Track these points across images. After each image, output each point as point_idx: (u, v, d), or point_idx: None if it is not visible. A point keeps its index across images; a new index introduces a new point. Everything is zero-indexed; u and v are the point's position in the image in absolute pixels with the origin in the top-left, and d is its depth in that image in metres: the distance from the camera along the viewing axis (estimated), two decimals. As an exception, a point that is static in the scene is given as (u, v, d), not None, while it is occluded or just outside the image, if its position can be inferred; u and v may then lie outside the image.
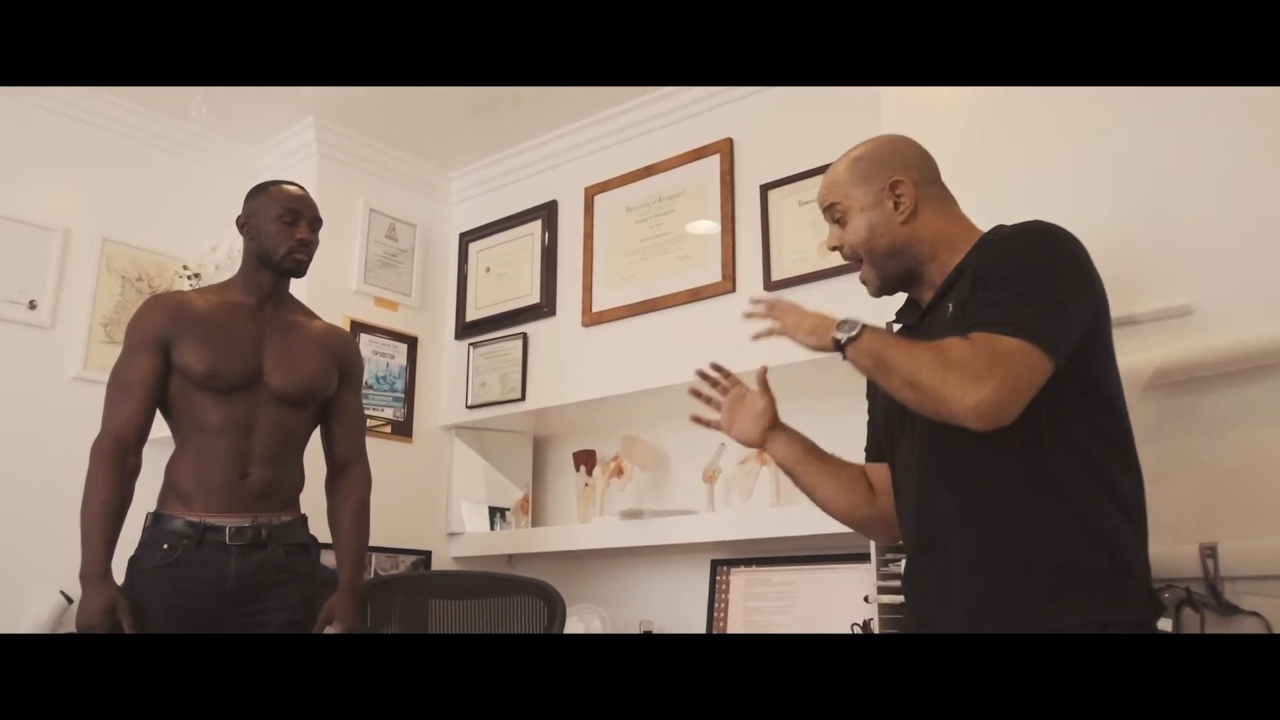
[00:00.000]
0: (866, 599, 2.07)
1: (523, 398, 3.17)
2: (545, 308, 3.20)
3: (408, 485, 3.21)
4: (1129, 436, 1.38)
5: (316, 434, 2.22)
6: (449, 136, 3.30)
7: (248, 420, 2.04)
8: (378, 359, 3.22)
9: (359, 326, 3.18)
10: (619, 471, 3.03)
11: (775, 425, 1.71)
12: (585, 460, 3.18)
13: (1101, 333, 1.38)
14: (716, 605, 2.76)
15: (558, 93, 2.99)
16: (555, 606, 2.39)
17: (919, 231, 1.49)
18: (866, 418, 1.73)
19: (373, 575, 3.02)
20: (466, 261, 3.49)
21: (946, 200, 1.54)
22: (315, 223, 2.21)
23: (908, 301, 1.59)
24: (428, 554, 3.21)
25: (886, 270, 1.53)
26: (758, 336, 1.54)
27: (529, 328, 3.24)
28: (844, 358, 1.41)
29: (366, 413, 3.09)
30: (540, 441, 3.46)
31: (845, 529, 2.33)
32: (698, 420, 1.79)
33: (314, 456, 2.21)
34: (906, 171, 1.51)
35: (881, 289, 1.57)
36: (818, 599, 2.56)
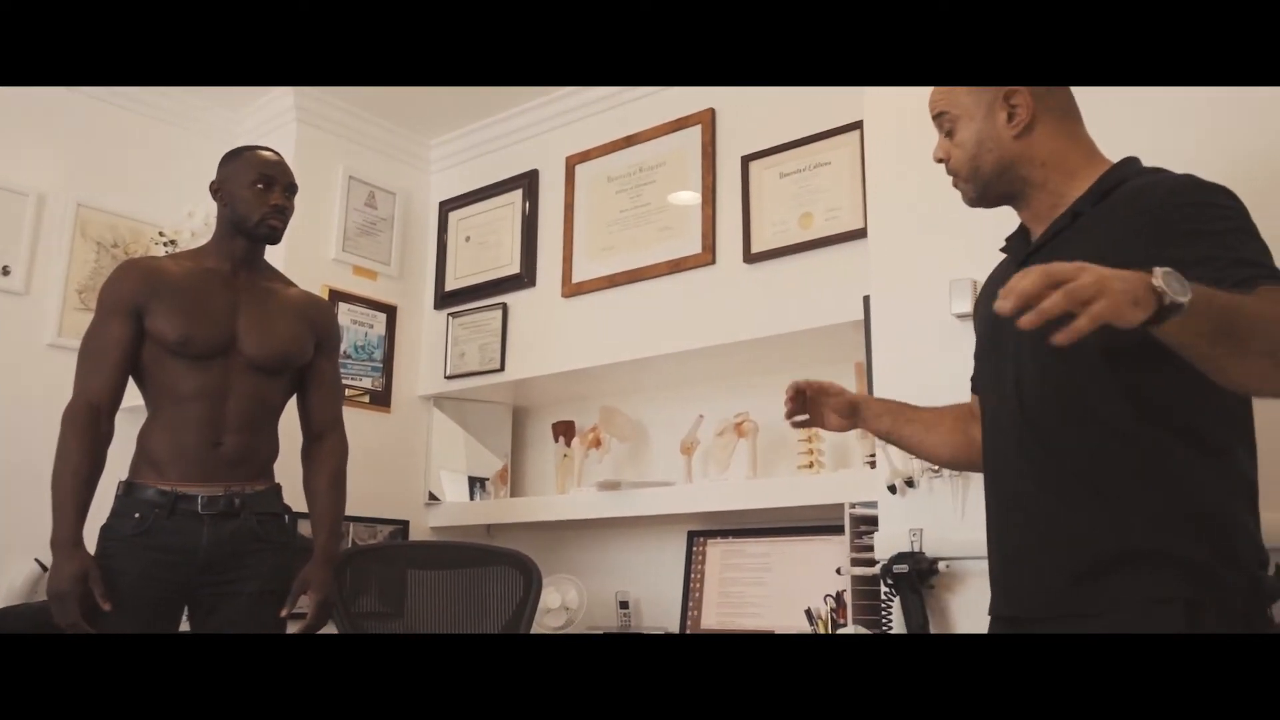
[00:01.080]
0: (839, 571, 2.09)
1: (502, 368, 3.16)
2: (525, 278, 3.19)
3: (386, 455, 3.20)
4: (1250, 413, 1.24)
5: (292, 403, 2.21)
6: (430, 104, 3.26)
7: (221, 388, 2.03)
8: (356, 328, 3.20)
9: (337, 295, 3.16)
10: (597, 443, 3.03)
11: (857, 408, 1.58)
12: (564, 431, 3.18)
13: None
14: (693, 576, 2.78)
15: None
16: (531, 577, 2.40)
17: (1032, 149, 1.35)
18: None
19: (350, 545, 3.02)
20: (446, 230, 3.46)
21: (1069, 117, 1.38)
22: (290, 189, 2.18)
23: (1019, 230, 1.45)
24: (405, 524, 3.21)
25: (989, 189, 1.40)
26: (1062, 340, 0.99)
27: (509, 298, 3.23)
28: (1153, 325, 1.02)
29: (345, 382, 3.09)
30: (519, 412, 3.46)
31: (822, 501, 2.36)
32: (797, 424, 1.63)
33: (289, 425, 2.20)
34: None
35: (974, 202, 1.44)
36: (793, 570, 2.58)
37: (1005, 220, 1.92)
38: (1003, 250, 1.47)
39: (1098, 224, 1.27)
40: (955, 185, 1.44)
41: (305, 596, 2.06)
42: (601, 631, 2.81)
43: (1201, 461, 1.19)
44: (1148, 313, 0.98)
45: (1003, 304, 1.00)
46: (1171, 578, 1.15)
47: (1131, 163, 1.34)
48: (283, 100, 3.16)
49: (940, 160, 1.44)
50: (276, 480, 2.14)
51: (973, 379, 1.55)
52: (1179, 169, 1.30)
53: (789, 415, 1.60)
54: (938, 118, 1.43)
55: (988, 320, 1.37)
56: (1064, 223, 1.32)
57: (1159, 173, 1.29)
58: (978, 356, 1.49)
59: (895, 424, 1.59)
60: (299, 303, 2.20)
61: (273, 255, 3.06)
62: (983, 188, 1.40)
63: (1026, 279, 0.99)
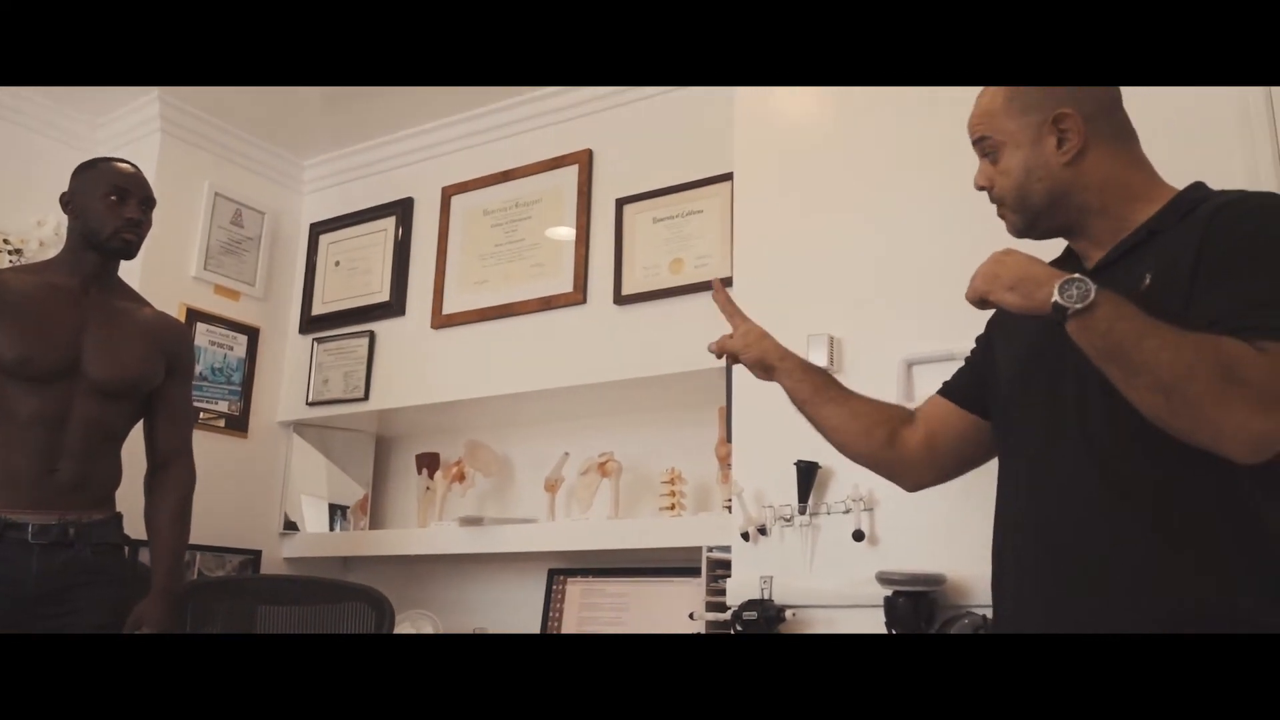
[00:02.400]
0: (692, 616, 2.11)
1: (366, 397, 3.10)
2: (395, 306, 3.14)
3: (240, 482, 3.10)
4: None
5: (138, 429, 2.12)
6: (304, 123, 3.20)
7: (61, 412, 1.93)
8: (214, 350, 3.10)
9: (196, 315, 3.05)
10: (461, 477, 3.00)
11: (774, 367, 1.48)
12: (428, 463, 3.13)
13: None
14: (551, 614, 2.77)
15: (419, 89, 2.94)
16: (383, 613, 2.35)
17: (1086, 176, 1.25)
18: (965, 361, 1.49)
19: (196, 575, 2.90)
20: (316, 253, 3.39)
21: (1125, 138, 1.28)
22: (147, 202, 2.10)
23: (1065, 254, 1.34)
24: (257, 554, 3.10)
25: (1038, 221, 1.28)
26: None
27: (377, 326, 3.17)
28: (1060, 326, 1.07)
29: (199, 405, 2.99)
30: (383, 442, 3.40)
31: (681, 543, 2.39)
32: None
33: (134, 452, 2.11)
34: (1075, 103, 1.25)
35: (1021, 233, 1.31)
36: (650, 611, 2.59)
37: (869, 279, 2.01)
38: None
39: (1176, 241, 1.17)
40: (1000, 213, 1.33)
41: (140, 632, 1.96)
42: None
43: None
44: (1029, 303, 1.09)
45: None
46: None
47: (1202, 185, 1.25)
48: (146, 109, 3.04)
49: (982, 188, 1.33)
50: (118, 510, 2.04)
51: (949, 385, 1.49)
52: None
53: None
54: (979, 142, 1.32)
55: (1028, 347, 1.28)
56: (1139, 238, 1.22)
57: (1242, 192, 1.21)
58: (980, 373, 1.42)
59: (816, 395, 1.47)
60: (151, 324, 2.12)
61: (128, 271, 2.94)
62: (1033, 218, 1.28)
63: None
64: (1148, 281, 1.15)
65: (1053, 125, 1.25)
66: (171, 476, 2.11)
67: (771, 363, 1.49)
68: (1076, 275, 1.06)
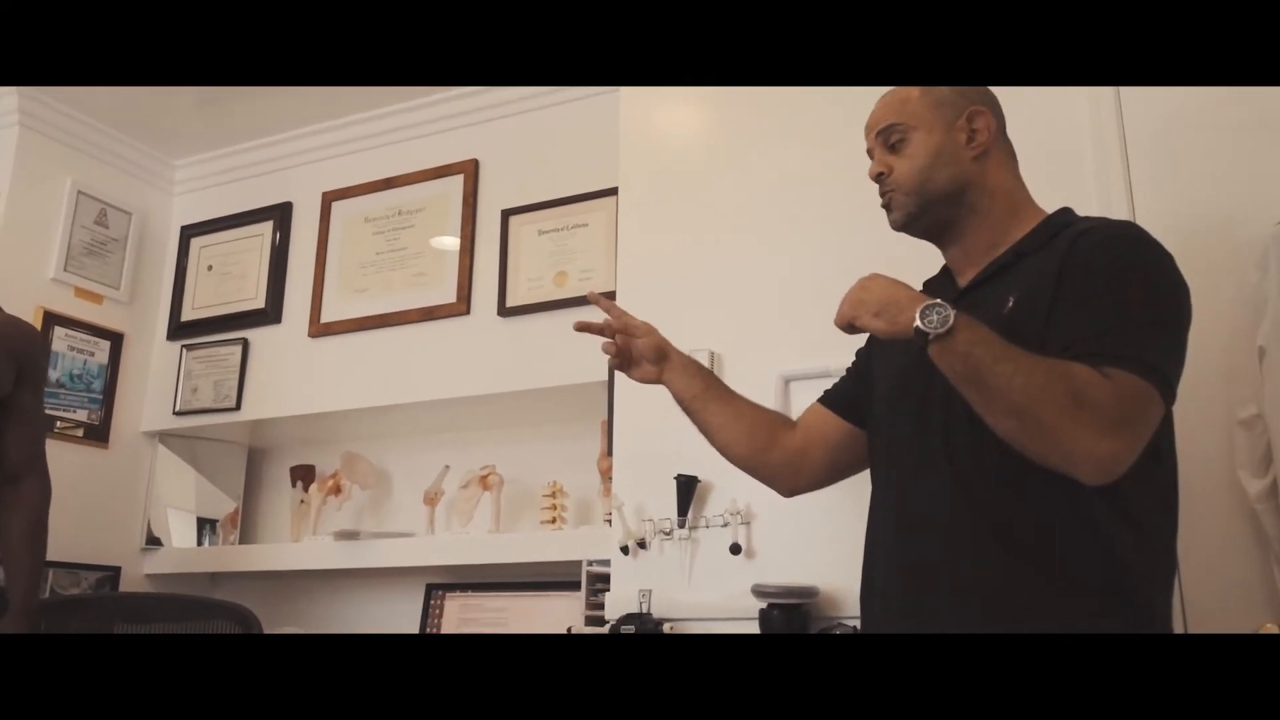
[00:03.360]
0: (570, 629, 2.11)
1: (238, 407, 2.99)
2: (270, 313, 3.05)
3: (99, 495, 2.95)
4: (1177, 492, 1.22)
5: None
6: (177, 122, 3.08)
7: None
8: (74, 356, 2.94)
9: (54, 318, 2.89)
10: (337, 489, 2.92)
11: (669, 356, 1.50)
12: (303, 475, 3.04)
13: None
14: (428, 629, 2.72)
15: (299, 90, 2.87)
16: (251, 631, 2.27)
17: (987, 177, 1.29)
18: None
19: (49, 593, 2.74)
20: (187, 257, 3.26)
21: (1013, 157, 1.35)
22: None
23: (941, 272, 1.39)
24: (117, 570, 2.96)
25: (930, 210, 1.30)
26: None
27: (251, 333, 3.07)
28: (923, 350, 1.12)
29: (57, 414, 2.84)
30: (255, 453, 3.28)
31: (562, 557, 2.38)
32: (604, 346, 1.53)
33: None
34: (989, 105, 1.32)
35: (907, 222, 1.33)
36: (529, 625, 2.57)
37: (749, 295, 2.04)
38: (923, 291, 1.29)
39: (1039, 265, 1.21)
40: (888, 203, 1.33)
41: None
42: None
43: (1132, 541, 1.14)
44: (893, 328, 1.14)
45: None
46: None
47: (1068, 211, 1.31)
48: (3, 101, 2.88)
49: (878, 175, 1.33)
50: None
51: (829, 393, 1.52)
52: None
53: (614, 359, 1.51)
54: (885, 130, 1.32)
55: (899, 368, 1.31)
56: (1007, 260, 1.26)
57: (1103, 220, 1.28)
58: (860, 384, 1.46)
59: (704, 393, 1.48)
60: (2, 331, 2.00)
61: (-23, 270, 2.80)
62: (925, 205, 1.30)
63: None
64: (1011, 304, 1.19)
65: (966, 121, 1.30)
66: (24, 491, 2.00)
67: (668, 352, 1.51)
68: (937, 301, 1.10)
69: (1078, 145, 1.82)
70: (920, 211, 1.31)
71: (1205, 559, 1.57)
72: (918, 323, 1.10)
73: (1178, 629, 1.53)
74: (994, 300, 1.21)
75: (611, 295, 2.33)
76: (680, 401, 1.51)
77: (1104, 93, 1.80)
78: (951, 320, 1.08)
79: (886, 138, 1.33)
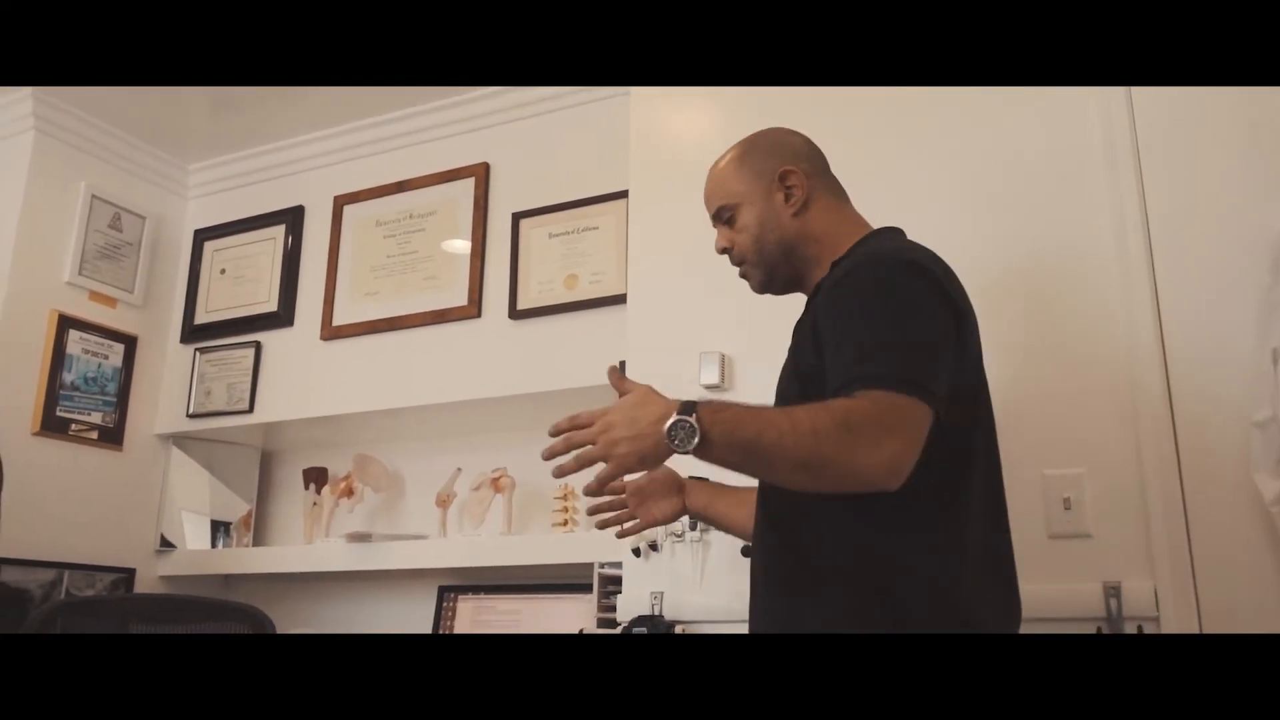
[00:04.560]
0: (582, 631, 2.11)
1: (250, 410, 3.01)
2: (283, 317, 3.06)
3: (114, 497, 2.96)
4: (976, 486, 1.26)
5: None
6: (190, 126, 3.10)
7: None
8: (88, 359, 2.96)
9: (69, 321, 2.91)
10: (349, 491, 2.93)
11: (684, 484, 1.62)
12: (315, 478, 3.05)
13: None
14: (441, 631, 2.72)
15: (311, 94, 2.88)
16: (265, 633, 2.28)
17: (810, 226, 1.38)
18: None
19: (64, 595, 2.76)
20: (200, 261, 3.28)
21: (837, 194, 1.44)
22: None
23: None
24: (131, 572, 2.97)
25: (775, 271, 1.42)
26: (562, 473, 1.23)
27: (263, 336, 3.08)
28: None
29: (71, 417, 2.86)
30: (268, 456, 3.30)
31: (574, 560, 2.39)
32: (622, 533, 1.66)
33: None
34: (796, 161, 1.40)
35: (764, 286, 1.45)
36: (541, 628, 2.57)
37: (760, 298, 2.04)
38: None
39: (811, 309, 1.33)
40: (742, 274, 1.45)
41: None
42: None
43: (883, 541, 1.20)
44: (660, 461, 1.15)
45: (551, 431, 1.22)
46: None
47: (881, 234, 1.38)
48: (18, 106, 2.90)
49: (723, 250, 1.45)
50: None
51: None
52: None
53: (602, 524, 1.65)
54: (717, 213, 1.44)
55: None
56: (813, 294, 1.37)
57: (864, 251, 1.33)
58: None
59: (710, 503, 1.61)
60: None
61: (-6, 275, 2.82)
62: (770, 269, 1.41)
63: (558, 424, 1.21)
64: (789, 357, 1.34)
65: (779, 182, 1.39)
66: None
67: (680, 480, 1.63)
68: (678, 417, 1.12)
69: (1088, 147, 1.81)
70: (768, 276, 1.43)
71: (1221, 561, 1.56)
72: (670, 444, 1.12)
73: (1192, 629, 1.53)
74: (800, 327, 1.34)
75: (622, 298, 2.34)
76: (696, 516, 1.65)
77: (1115, 93, 1.80)
78: (698, 427, 1.11)
79: (720, 217, 1.44)
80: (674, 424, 1.11)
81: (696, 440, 1.10)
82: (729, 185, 1.43)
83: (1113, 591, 1.58)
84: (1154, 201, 1.73)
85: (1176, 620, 1.55)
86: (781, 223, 1.39)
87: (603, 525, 1.64)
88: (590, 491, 1.24)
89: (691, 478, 1.62)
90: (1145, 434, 1.65)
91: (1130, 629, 1.56)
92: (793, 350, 1.36)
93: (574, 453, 1.20)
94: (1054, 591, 1.62)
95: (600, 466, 1.20)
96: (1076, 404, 1.71)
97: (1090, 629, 1.58)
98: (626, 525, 1.62)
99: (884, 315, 1.20)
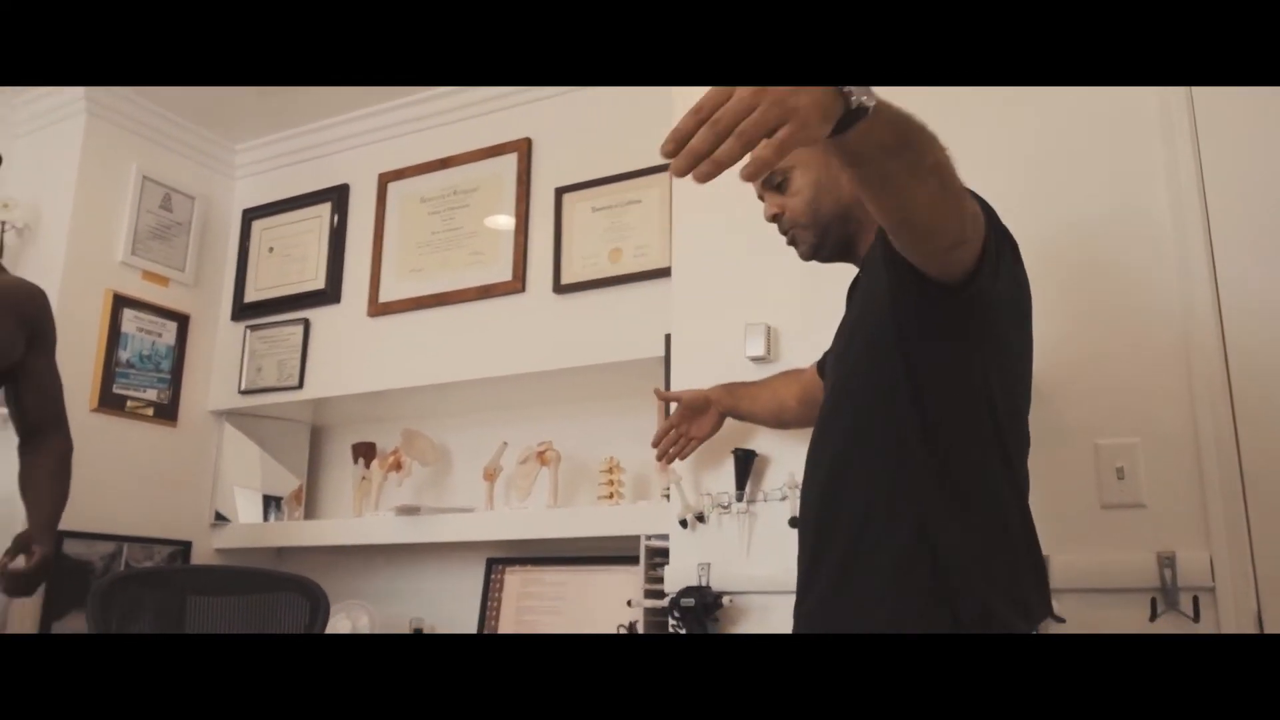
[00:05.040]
0: (630, 603, 2.13)
1: (300, 385, 3.05)
2: (330, 294, 3.10)
3: (169, 471, 3.03)
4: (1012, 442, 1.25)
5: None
6: (237, 107, 3.13)
7: None
8: (142, 337, 3.02)
9: (123, 301, 2.97)
10: (398, 465, 2.97)
11: (710, 405, 1.90)
12: (364, 452, 3.10)
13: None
14: (490, 604, 2.76)
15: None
16: (318, 603, 2.33)
17: None
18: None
19: (124, 566, 2.84)
20: (249, 240, 3.32)
21: None
22: None
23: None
24: (188, 545, 3.04)
25: (827, 237, 1.41)
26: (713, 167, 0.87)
27: (311, 313, 3.12)
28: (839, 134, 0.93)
29: (128, 394, 2.92)
30: (318, 431, 3.35)
31: (620, 532, 2.40)
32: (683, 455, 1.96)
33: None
34: None
35: (814, 251, 1.44)
36: (588, 600, 2.60)
37: (805, 269, 2.03)
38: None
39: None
40: (790, 240, 1.44)
41: (23, 557, 1.94)
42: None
43: (948, 503, 1.18)
44: (834, 121, 0.89)
45: (666, 147, 0.88)
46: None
47: None
48: (71, 90, 2.95)
49: (773, 217, 1.43)
50: None
51: (819, 362, 1.72)
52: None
53: (669, 458, 1.94)
54: (766, 180, 1.42)
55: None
56: (864, 262, 1.38)
57: None
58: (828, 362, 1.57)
59: (735, 401, 1.87)
60: (7, 294, 2.00)
61: (52, 254, 2.89)
62: (822, 234, 1.40)
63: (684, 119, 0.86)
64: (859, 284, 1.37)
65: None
66: (48, 442, 2.05)
67: (709, 396, 1.91)
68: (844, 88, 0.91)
69: (1143, 107, 1.77)
70: (820, 240, 1.42)
71: (1279, 529, 1.54)
72: (852, 92, 0.89)
73: (1249, 599, 1.51)
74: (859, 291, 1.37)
75: (667, 271, 2.34)
76: (729, 412, 1.91)
77: (1175, 90, 1.75)
78: (871, 92, 0.92)
79: (770, 182, 1.43)
80: (846, 90, 0.90)
81: (874, 102, 0.91)
82: None
83: (1167, 561, 1.56)
84: (1210, 162, 1.69)
85: (1233, 590, 1.53)
86: (838, 185, 1.36)
87: (667, 459, 1.94)
88: (765, 163, 0.87)
89: (712, 388, 1.90)
90: (1201, 401, 1.62)
91: (1186, 599, 1.54)
92: (857, 314, 1.36)
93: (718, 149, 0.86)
94: (1107, 562, 1.61)
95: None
96: (1130, 372, 1.68)
97: (1144, 600, 1.56)
98: (684, 449, 1.93)
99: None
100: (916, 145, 1.00)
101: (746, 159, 0.87)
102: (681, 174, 0.88)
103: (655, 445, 1.97)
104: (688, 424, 1.93)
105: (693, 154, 0.87)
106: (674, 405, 1.96)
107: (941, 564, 1.16)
